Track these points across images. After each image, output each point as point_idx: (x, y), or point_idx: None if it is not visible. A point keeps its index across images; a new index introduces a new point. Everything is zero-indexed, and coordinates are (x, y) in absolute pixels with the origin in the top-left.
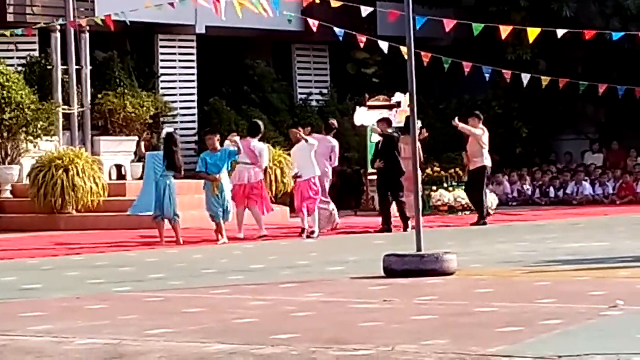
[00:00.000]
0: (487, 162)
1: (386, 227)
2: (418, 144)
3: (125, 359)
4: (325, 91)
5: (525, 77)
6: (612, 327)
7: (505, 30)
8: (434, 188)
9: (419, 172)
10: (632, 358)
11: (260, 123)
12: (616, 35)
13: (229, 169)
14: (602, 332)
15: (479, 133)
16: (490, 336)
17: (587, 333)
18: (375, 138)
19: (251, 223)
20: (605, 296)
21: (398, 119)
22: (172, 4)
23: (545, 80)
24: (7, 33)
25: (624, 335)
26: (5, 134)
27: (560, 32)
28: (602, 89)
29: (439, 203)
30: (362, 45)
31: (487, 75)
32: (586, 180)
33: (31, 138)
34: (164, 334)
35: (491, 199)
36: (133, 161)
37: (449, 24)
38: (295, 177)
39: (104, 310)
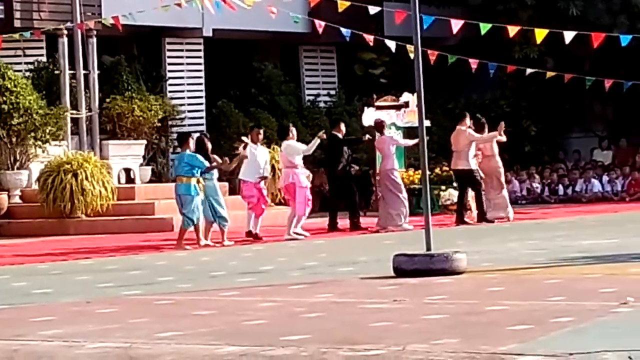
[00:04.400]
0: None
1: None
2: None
3: None
4: (332, 92)
5: (529, 71)
6: (623, 324)
7: (512, 30)
8: (443, 187)
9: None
10: None
11: (289, 124)
12: (625, 40)
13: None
14: (613, 329)
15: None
16: (501, 334)
17: (598, 330)
18: None
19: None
20: (616, 293)
21: (406, 118)
22: (179, 4)
23: (550, 74)
24: (16, 36)
25: (635, 331)
26: (14, 139)
27: (568, 35)
28: (608, 85)
29: (448, 202)
30: (370, 44)
31: (492, 71)
32: (595, 178)
33: (40, 143)
34: (174, 336)
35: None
36: (141, 164)
37: (456, 24)
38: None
39: (114, 314)
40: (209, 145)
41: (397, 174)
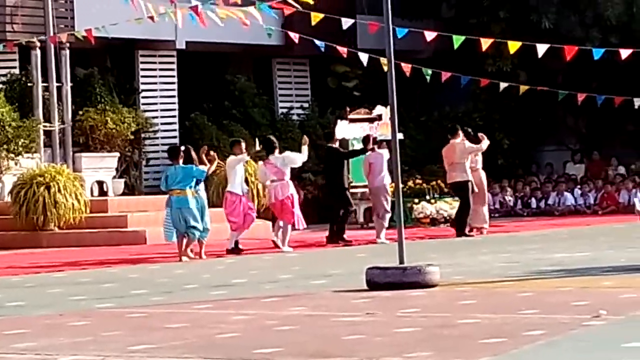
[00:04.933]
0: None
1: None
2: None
3: None
4: (306, 105)
5: (503, 85)
6: (595, 337)
7: (485, 42)
8: (416, 200)
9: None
10: None
11: (272, 138)
12: (597, 53)
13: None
14: (585, 342)
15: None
16: (474, 347)
17: (570, 343)
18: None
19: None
20: (588, 306)
21: (380, 131)
22: (151, 18)
23: (523, 88)
24: None
25: (607, 345)
26: None
27: (541, 48)
28: (581, 98)
29: (421, 215)
30: (343, 57)
31: (464, 84)
32: (568, 191)
33: (12, 155)
34: (147, 349)
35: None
36: (114, 177)
37: (429, 37)
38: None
39: (87, 327)
40: (195, 156)
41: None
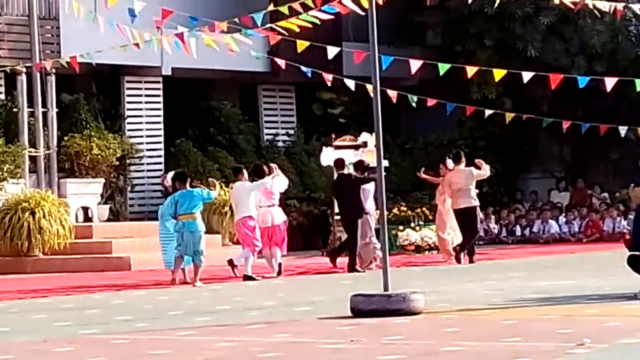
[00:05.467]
0: (453, 205)
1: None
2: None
3: None
4: (291, 131)
5: (488, 113)
6: None
7: (471, 70)
8: (401, 227)
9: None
10: None
11: (260, 164)
12: (582, 81)
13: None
14: None
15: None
16: None
17: None
18: None
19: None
20: (573, 334)
21: (365, 158)
22: (137, 45)
23: (509, 116)
24: None
25: None
26: None
27: (526, 75)
28: (565, 126)
29: (406, 242)
30: (329, 84)
31: (450, 111)
32: (552, 219)
33: None
34: None
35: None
36: (99, 203)
37: (415, 64)
38: None
39: (71, 353)
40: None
41: None
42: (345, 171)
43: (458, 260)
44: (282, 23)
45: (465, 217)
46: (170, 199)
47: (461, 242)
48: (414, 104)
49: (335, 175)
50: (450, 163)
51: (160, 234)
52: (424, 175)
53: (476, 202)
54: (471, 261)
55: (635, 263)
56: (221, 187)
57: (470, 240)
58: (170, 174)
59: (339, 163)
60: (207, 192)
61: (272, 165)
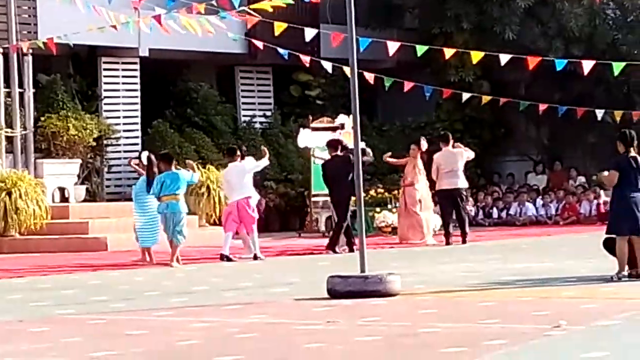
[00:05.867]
0: (443, 185)
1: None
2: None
3: None
4: (268, 113)
5: (465, 96)
6: (555, 347)
7: (448, 52)
8: (377, 209)
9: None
10: None
11: (234, 146)
12: (559, 64)
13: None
14: (545, 352)
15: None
16: (434, 357)
17: (531, 353)
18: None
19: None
20: (549, 316)
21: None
22: (114, 27)
23: (486, 99)
24: None
25: (567, 355)
26: None
27: (504, 58)
28: (542, 109)
29: (383, 224)
30: (306, 66)
31: (428, 95)
32: (529, 201)
33: None
34: (107, 356)
35: (434, 220)
36: (76, 183)
37: (393, 46)
38: None
39: (47, 333)
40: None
41: None
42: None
43: (464, 241)
44: (259, 5)
45: (456, 198)
46: (157, 180)
47: (460, 225)
48: (387, 84)
49: (329, 156)
50: (424, 144)
51: (135, 214)
52: (388, 159)
53: (467, 184)
54: (448, 243)
55: (611, 246)
56: (198, 168)
57: (463, 220)
58: (145, 153)
59: (335, 144)
60: (191, 174)
61: (264, 148)
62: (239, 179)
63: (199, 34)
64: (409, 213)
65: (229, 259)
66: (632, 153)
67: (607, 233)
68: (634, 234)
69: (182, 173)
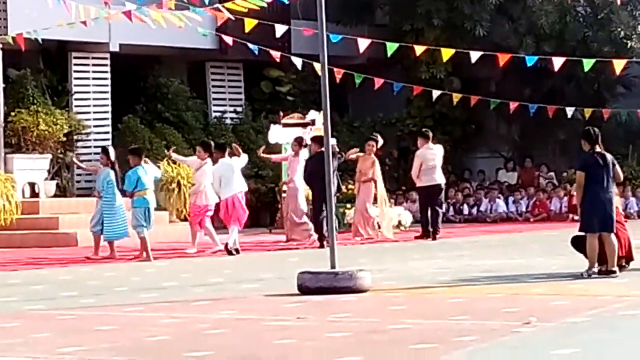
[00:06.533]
0: (426, 182)
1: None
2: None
3: None
4: (239, 109)
5: (436, 93)
6: (525, 344)
7: (419, 49)
8: (348, 205)
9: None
10: None
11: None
12: (530, 60)
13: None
14: (515, 348)
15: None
16: (404, 353)
17: (500, 350)
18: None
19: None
20: (519, 313)
21: (311, 136)
22: (84, 22)
23: (457, 96)
24: None
25: (537, 351)
26: None
27: (474, 55)
28: (513, 106)
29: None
30: (277, 61)
31: (396, 90)
32: (500, 198)
33: None
34: (76, 351)
35: (405, 217)
36: (46, 178)
37: (363, 43)
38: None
39: (17, 329)
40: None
41: None
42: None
43: (434, 238)
44: (230, 5)
45: (436, 194)
46: (131, 174)
47: (432, 220)
48: (358, 81)
49: (313, 152)
50: (380, 141)
51: (103, 207)
52: (262, 154)
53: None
54: (434, 238)
55: (578, 244)
56: (168, 164)
57: (438, 216)
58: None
59: (320, 140)
60: (156, 169)
61: (235, 145)
62: (233, 175)
63: (168, 28)
64: (365, 209)
65: (237, 252)
66: (598, 149)
67: (579, 231)
68: (604, 230)
69: (152, 168)
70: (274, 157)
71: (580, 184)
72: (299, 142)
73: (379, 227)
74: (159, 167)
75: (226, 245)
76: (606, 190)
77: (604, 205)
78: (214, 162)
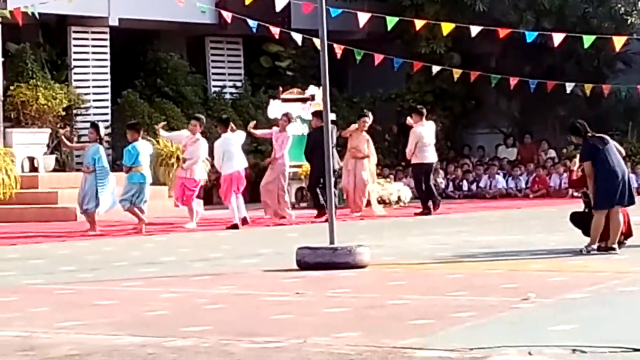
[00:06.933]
0: (421, 159)
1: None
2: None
3: (36, 351)
4: (239, 84)
5: (436, 69)
6: (523, 320)
7: (419, 23)
8: None
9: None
10: (543, 350)
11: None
12: (530, 36)
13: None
14: (514, 324)
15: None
16: (402, 328)
17: (499, 325)
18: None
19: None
20: (517, 289)
21: (312, 111)
22: None
23: (457, 72)
24: None
25: (535, 327)
26: None
27: (474, 30)
28: (513, 82)
29: None
30: (276, 37)
31: (397, 66)
32: (499, 174)
33: None
34: (74, 326)
35: (404, 192)
36: (45, 153)
37: (363, 18)
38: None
39: (15, 303)
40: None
41: None
42: None
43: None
44: None
45: (429, 171)
46: (130, 149)
47: (432, 198)
48: (358, 57)
49: (314, 126)
50: (371, 117)
51: (97, 183)
52: (252, 131)
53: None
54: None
55: (577, 220)
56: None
57: (433, 191)
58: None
59: (320, 115)
60: (150, 145)
61: (232, 125)
62: (236, 150)
63: (167, 2)
64: (361, 184)
65: (244, 223)
66: (591, 134)
67: (593, 208)
68: (621, 204)
69: (147, 144)
70: (259, 132)
71: (589, 173)
72: (288, 117)
73: (369, 203)
74: (158, 141)
75: (244, 218)
76: (618, 163)
77: (622, 177)
78: (211, 138)
